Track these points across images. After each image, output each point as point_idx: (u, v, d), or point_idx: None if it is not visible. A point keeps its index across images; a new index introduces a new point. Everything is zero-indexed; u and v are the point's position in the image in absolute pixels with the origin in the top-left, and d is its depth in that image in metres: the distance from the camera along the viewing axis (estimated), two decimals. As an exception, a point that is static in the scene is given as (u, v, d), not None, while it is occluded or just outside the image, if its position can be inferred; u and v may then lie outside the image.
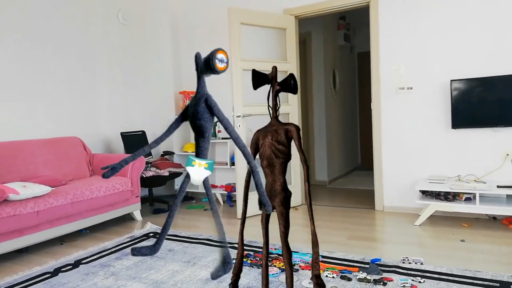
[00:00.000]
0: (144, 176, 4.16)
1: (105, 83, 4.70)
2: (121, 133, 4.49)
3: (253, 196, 3.95)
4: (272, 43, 4.15)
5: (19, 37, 3.82)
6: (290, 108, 4.21)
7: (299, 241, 3.05)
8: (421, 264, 2.44)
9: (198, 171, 1.58)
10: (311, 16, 4.30)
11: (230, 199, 4.54)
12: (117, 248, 3.05)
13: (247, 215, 3.86)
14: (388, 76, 3.82)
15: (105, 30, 4.68)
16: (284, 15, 4.18)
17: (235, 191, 4.44)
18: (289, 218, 1.88)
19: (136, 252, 1.58)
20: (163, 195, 5.05)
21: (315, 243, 1.82)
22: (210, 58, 1.52)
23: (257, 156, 2.02)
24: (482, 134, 3.44)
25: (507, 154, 3.34)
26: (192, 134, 5.10)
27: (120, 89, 4.81)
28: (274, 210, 1.89)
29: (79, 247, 3.17)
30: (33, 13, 3.95)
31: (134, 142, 4.61)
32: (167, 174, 4.34)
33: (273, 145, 1.91)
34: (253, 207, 3.93)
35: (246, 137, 3.92)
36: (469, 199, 3.27)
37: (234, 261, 2.28)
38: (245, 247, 2.90)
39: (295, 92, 1.97)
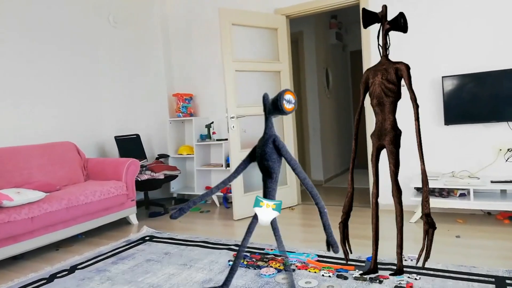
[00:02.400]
0: (139, 179, 4.15)
1: (98, 87, 4.68)
2: (115, 137, 4.48)
3: (249, 197, 3.95)
4: (264, 43, 4.15)
5: (11, 43, 3.79)
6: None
7: (296, 241, 3.06)
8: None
9: (266, 212, 1.58)
10: (302, 16, 4.30)
11: (226, 201, 4.54)
12: (113, 252, 3.03)
13: (244, 216, 3.87)
14: (381, 74, 3.83)
15: (96, 34, 4.66)
16: (275, 15, 4.18)
17: (230, 192, 4.44)
18: (399, 157, 1.89)
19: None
20: (158, 198, 5.04)
21: (425, 182, 1.81)
22: (278, 99, 1.51)
23: (367, 96, 1.95)
24: (475, 129, 3.46)
25: (500, 149, 3.36)
26: (187, 137, 5.09)
27: (113, 93, 4.79)
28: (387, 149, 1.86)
29: (74, 252, 3.15)
30: (29, 17, 3.92)
31: (128, 145, 4.59)
32: (162, 177, 4.33)
33: (383, 84, 1.90)
34: (249, 208, 3.93)
35: (240, 139, 3.92)
36: (464, 195, 3.29)
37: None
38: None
39: (405, 31, 1.94)
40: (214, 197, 4.65)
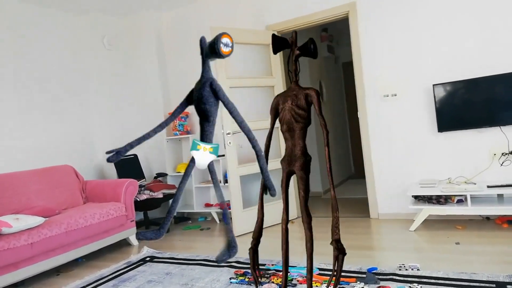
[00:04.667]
0: (138, 199, 4.15)
1: (94, 109, 4.72)
2: (113, 158, 4.49)
3: (248, 212, 3.96)
4: (257, 59, 4.21)
5: (7, 68, 3.84)
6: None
7: (296, 255, 3.05)
8: (418, 270, 2.46)
9: (203, 155, 1.57)
10: (293, 30, 4.37)
11: (225, 217, 4.52)
12: (114, 275, 3.02)
13: (244, 232, 3.87)
14: (372, 85, 3.89)
15: (91, 56, 4.72)
16: (267, 31, 4.25)
17: (230, 208, 4.43)
18: (309, 183, 1.88)
19: (141, 236, 1.58)
20: (158, 218, 5.03)
21: (334, 208, 1.82)
22: (215, 42, 1.53)
23: (277, 121, 2.00)
24: (468, 135, 3.50)
25: (494, 154, 3.40)
26: (185, 154, 5.11)
27: (110, 114, 4.82)
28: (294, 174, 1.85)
29: (75, 276, 3.14)
30: (21, 43, 3.98)
31: (126, 166, 4.61)
32: (161, 196, 4.33)
33: (293, 110, 1.91)
34: (248, 223, 3.93)
35: (237, 155, 3.94)
36: (461, 201, 3.31)
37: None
38: (242, 265, 2.89)
39: (315, 57, 1.96)
40: (214, 214, 4.65)
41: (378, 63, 3.85)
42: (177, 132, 4.85)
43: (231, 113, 1.57)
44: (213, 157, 1.59)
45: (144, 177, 4.70)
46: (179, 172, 4.83)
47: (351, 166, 7.11)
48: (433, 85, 3.51)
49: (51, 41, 4.31)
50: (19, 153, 3.87)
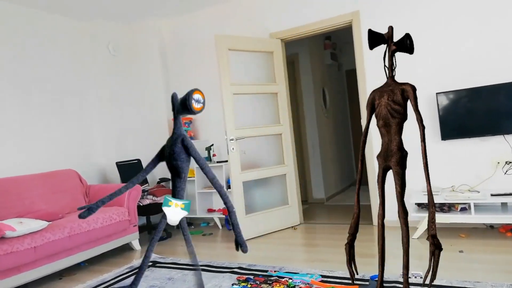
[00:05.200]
0: (141, 204, 4.16)
1: (99, 114, 4.75)
2: (117, 163, 4.51)
3: (251, 218, 3.96)
4: (261, 66, 4.24)
5: (11, 74, 3.88)
6: (282, 128, 4.26)
7: (299, 261, 3.05)
8: (421, 278, 2.45)
9: (174, 212, 1.58)
10: (297, 39, 4.41)
11: (228, 223, 4.53)
12: (116, 280, 3.02)
13: (247, 238, 3.86)
14: (376, 92, 3.89)
15: (96, 62, 4.76)
16: (270, 39, 4.28)
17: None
18: (405, 178, 1.89)
19: None
20: (161, 223, 5.03)
21: (431, 203, 1.82)
22: (187, 99, 1.54)
23: (373, 117, 1.99)
24: (472, 144, 3.50)
25: (498, 162, 3.39)
26: (193, 162, 5.12)
27: (114, 119, 4.85)
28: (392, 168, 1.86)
29: (78, 281, 3.14)
30: (25, 48, 4.02)
31: (130, 170, 4.63)
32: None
33: (389, 105, 1.92)
34: (251, 229, 3.93)
35: (240, 161, 3.96)
36: (465, 209, 3.30)
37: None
38: (244, 271, 2.89)
39: (411, 52, 1.96)
40: (217, 219, 4.65)
41: (381, 71, 3.86)
42: (180, 137, 4.86)
43: (202, 169, 1.59)
44: (184, 213, 1.61)
45: (147, 182, 4.71)
46: (182, 178, 4.84)
47: (353, 173, 7.11)
48: (436, 93, 3.52)
49: (54, 47, 4.36)
50: (23, 157, 3.90)
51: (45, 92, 4.17)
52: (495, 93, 3.30)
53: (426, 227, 3.32)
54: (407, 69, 3.74)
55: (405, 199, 3.78)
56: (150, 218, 4.58)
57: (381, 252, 2.01)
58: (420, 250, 3.04)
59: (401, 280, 2.43)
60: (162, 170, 5.06)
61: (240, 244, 1.59)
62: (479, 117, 3.37)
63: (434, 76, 3.64)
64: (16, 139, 3.85)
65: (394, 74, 2.00)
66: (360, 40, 3.94)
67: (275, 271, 2.83)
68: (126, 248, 3.98)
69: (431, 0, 3.62)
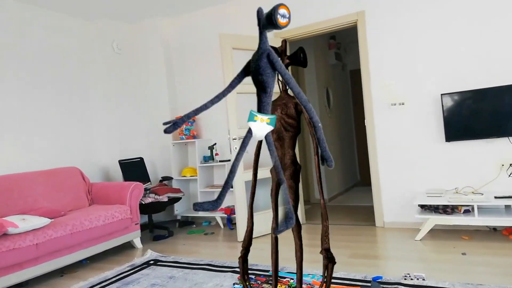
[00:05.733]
0: (143, 202, 4.16)
1: (102, 112, 4.75)
2: (119, 161, 4.52)
3: (254, 217, 3.95)
4: (265, 66, 4.22)
5: (15, 71, 3.89)
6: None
7: (300, 262, 3.04)
8: (423, 279, 2.43)
9: (260, 126, 1.56)
10: (301, 38, 4.39)
11: (230, 222, 4.53)
12: (117, 277, 3.03)
13: (256, 235, 3.85)
14: (380, 93, 3.88)
15: (100, 60, 4.76)
16: (275, 38, 4.27)
17: (234, 213, 4.43)
18: (298, 192, 1.87)
19: (198, 207, 1.57)
20: (162, 221, 5.04)
21: (324, 217, 1.80)
22: (272, 13, 1.52)
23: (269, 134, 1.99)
24: (476, 145, 3.47)
25: (502, 165, 3.37)
26: (190, 158, 5.13)
27: (117, 117, 4.86)
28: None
29: (79, 278, 3.14)
30: (29, 46, 4.03)
31: (132, 169, 4.63)
32: (166, 199, 4.34)
33: (282, 119, 1.90)
34: (255, 228, 3.92)
35: (243, 160, 3.95)
36: (468, 211, 3.28)
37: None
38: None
39: (304, 66, 1.95)
40: (218, 218, 4.64)
41: (386, 71, 3.84)
42: (183, 136, 4.87)
43: (288, 83, 1.56)
44: (270, 128, 1.58)
45: (149, 180, 4.71)
46: (184, 176, 4.84)
47: (357, 174, 7.09)
48: (441, 94, 3.49)
49: (59, 45, 4.36)
50: (25, 154, 3.91)
51: (49, 90, 4.18)
52: (500, 95, 3.27)
53: (429, 228, 3.30)
54: (411, 70, 3.72)
55: (409, 201, 3.76)
56: (152, 216, 4.58)
57: (274, 265, 1.96)
58: (422, 252, 3.02)
59: (403, 282, 2.42)
60: (164, 169, 5.07)
61: (325, 159, 1.58)
62: (483, 119, 3.34)
63: (439, 77, 3.61)
64: (19, 137, 3.86)
65: (287, 88, 1.97)
66: (365, 41, 3.93)
67: (276, 271, 2.82)
68: (128, 246, 3.98)
69: (437, 0, 3.59)
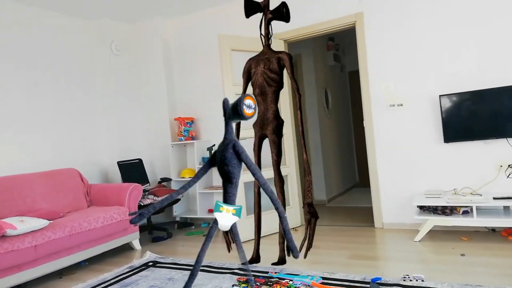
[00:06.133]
0: (142, 204, 4.15)
1: (100, 113, 4.75)
2: (118, 162, 4.51)
3: (252, 219, 3.95)
4: (264, 67, 4.22)
5: (14, 71, 3.88)
6: (284, 129, 4.25)
7: (300, 264, 3.04)
8: (422, 281, 2.44)
9: (226, 217, 1.59)
10: (300, 40, 4.40)
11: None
12: (116, 279, 3.02)
13: (247, 239, 3.85)
14: (378, 94, 3.89)
15: (99, 61, 4.76)
16: (273, 40, 4.27)
17: (233, 215, 4.43)
18: (281, 146, 1.87)
19: None
20: (161, 223, 5.03)
21: (307, 172, 1.80)
22: (238, 104, 1.54)
23: (249, 85, 1.97)
24: (475, 146, 3.48)
25: (501, 166, 3.38)
26: (189, 160, 5.13)
27: (116, 119, 4.86)
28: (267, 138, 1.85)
29: (78, 280, 3.14)
30: (28, 46, 4.03)
31: (131, 170, 4.62)
32: (165, 201, 4.33)
33: (265, 73, 1.89)
34: (252, 230, 3.92)
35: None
36: (467, 212, 3.28)
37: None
38: (244, 272, 2.88)
39: (287, 21, 1.94)
40: (217, 220, 4.63)
41: (385, 72, 3.85)
42: (182, 137, 4.86)
43: (254, 175, 1.58)
44: (236, 218, 1.61)
45: (148, 182, 4.71)
46: (183, 177, 4.84)
47: (355, 175, 7.09)
48: (440, 95, 3.50)
49: (58, 46, 4.36)
50: (24, 155, 3.90)
51: (48, 90, 4.18)
52: (499, 96, 3.28)
53: (428, 229, 3.30)
54: (410, 71, 3.73)
55: (408, 202, 3.76)
56: (151, 218, 4.57)
57: (257, 220, 1.97)
58: (421, 253, 3.02)
59: (402, 283, 2.42)
60: (163, 170, 5.06)
61: (291, 250, 1.59)
62: (482, 120, 3.35)
63: (437, 78, 3.62)
64: (18, 138, 3.85)
65: (270, 42, 1.97)
66: (364, 42, 3.93)
67: (275, 273, 2.82)
68: (127, 248, 3.97)
69: (436, 2, 3.60)
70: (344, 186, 6.41)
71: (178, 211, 4.89)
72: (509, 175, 3.35)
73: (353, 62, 6.88)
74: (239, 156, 1.58)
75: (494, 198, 3.14)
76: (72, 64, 4.48)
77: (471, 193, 3.38)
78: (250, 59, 1.99)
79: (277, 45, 4.26)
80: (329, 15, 4.08)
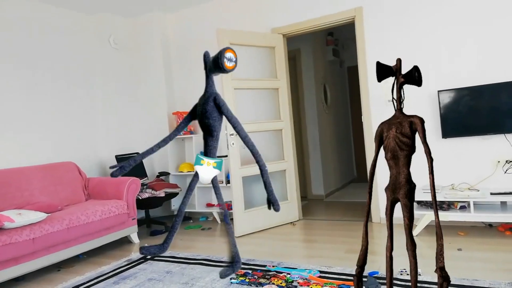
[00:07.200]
0: (140, 198, 4.16)
1: (99, 107, 4.73)
2: (116, 156, 4.50)
3: (250, 213, 3.96)
4: (262, 61, 4.22)
5: (12, 64, 3.86)
6: (283, 124, 4.25)
7: (297, 257, 3.05)
8: (419, 275, 2.45)
9: (207, 170, 1.57)
10: (299, 34, 4.38)
11: (226, 217, 4.52)
12: (114, 272, 3.03)
13: (245, 233, 3.86)
14: (377, 89, 3.88)
15: (97, 55, 4.74)
16: (272, 34, 4.26)
17: (231, 209, 4.44)
18: (413, 211, 1.87)
19: (144, 251, 1.58)
20: (159, 217, 5.03)
21: (439, 236, 1.80)
22: (219, 57, 1.52)
23: (381, 149, 1.97)
24: (473, 142, 3.49)
25: (498, 161, 3.39)
26: (188, 154, 5.12)
27: (114, 113, 4.84)
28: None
29: (76, 273, 3.14)
30: (26, 41, 4.00)
31: (129, 164, 4.61)
32: (163, 195, 4.34)
33: (397, 138, 1.91)
34: (250, 224, 3.93)
35: (240, 155, 3.95)
36: (464, 207, 3.30)
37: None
38: (243, 265, 2.89)
39: (419, 85, 1.94)
40: (215, 214, 4.65)
41: (384, 67, 3.84)
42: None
43: (234, 127, 1.57)
44: (216, 171, 1.59)
45: (146, 176, 4.70)
46: (181, 172, 4.84)
47: (353, 170, 7.10)
48: (438, 91, 3.50)
49: (58, 40, 4.34)
50: (23, 149, 3.89)
51: (47, 85, 4.16)
52: (497, 92, 3.28)
53: (425, 224, 3.32)
54: (409, 66, 3.72)
55: (404, 196, 3.77)
56: (149, 211, 4.58)
57: (389, 285, 1.96)
58: (419, 248, 3.03)
59: (399, 277, 2.43)
60: (161, 164, 5.06)
61: (272, 203, 1.57)
62: (480, 116, 3.36)
63: (436, 74, 3.62)
64: (17, 132, 3.84)
65: (402, 106, 1.98)
66: (363, 37, 3.92)
67: (273, 266, 2.83)
68: (125, 241, 3.98)
69: (435, -3, 3.60)
70: (342, 181, 6.42)
71: (176, 205, 4.90)
72: (506, 170, 3.37)
73: (352, 58, 6.86)
74: (220, 109, 1.57)
75: (491, 194, 3.15)
76: (70, 59, 4.45)
77: (469, 189, 3.39)
78: (382, 123, 2.03)
79: (276, 40, 4.25)
80: (328, 10, 4.07)
